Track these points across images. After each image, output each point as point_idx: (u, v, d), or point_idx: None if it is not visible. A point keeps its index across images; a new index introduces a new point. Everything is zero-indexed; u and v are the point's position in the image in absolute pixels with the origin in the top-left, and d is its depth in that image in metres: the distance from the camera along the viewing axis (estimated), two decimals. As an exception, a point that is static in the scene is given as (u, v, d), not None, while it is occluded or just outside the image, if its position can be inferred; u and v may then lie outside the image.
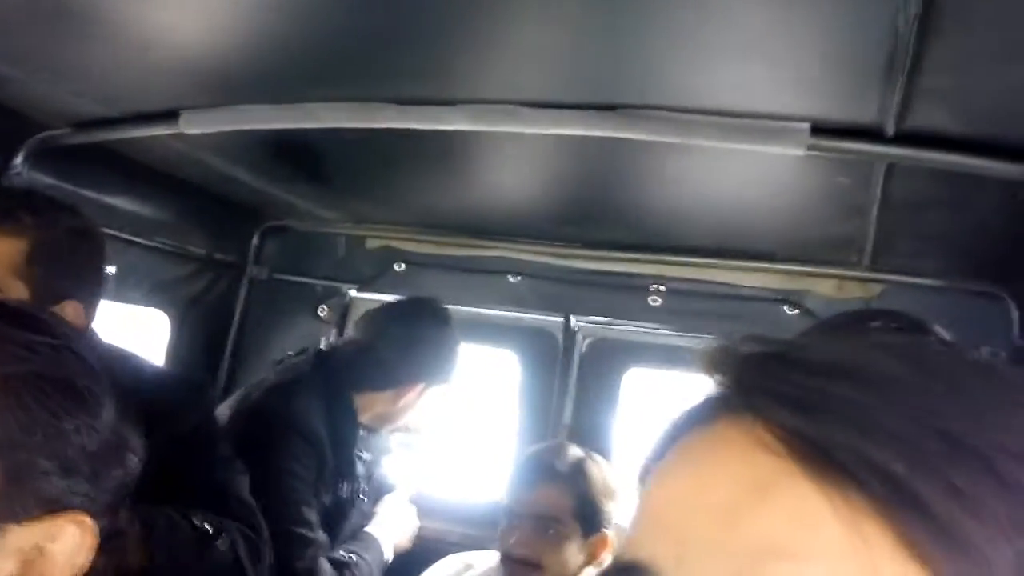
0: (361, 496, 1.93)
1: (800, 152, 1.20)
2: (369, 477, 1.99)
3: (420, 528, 2.09)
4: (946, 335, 1.02)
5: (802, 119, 1.18)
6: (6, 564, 0.65)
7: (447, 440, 2.36)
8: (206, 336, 2.23)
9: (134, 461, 0.77)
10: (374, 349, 1.85)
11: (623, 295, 2.16)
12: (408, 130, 1.37)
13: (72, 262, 1.35)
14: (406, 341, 1.86)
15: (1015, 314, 1.82)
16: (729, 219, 1.76)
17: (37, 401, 0.68)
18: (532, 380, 2.27)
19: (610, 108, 1.23)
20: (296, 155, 1.70)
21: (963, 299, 1.86)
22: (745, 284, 2.06)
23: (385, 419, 1.90)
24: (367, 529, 1.94)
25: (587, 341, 2.24)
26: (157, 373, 1.61)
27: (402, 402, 1.87)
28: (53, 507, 0.68)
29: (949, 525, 0.30)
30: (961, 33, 0.87)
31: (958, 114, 1.06)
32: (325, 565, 1.72)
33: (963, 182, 1.27)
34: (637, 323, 2.18)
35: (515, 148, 1.52)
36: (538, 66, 1.21)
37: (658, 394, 2.20)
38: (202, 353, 2.22)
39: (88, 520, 0.70)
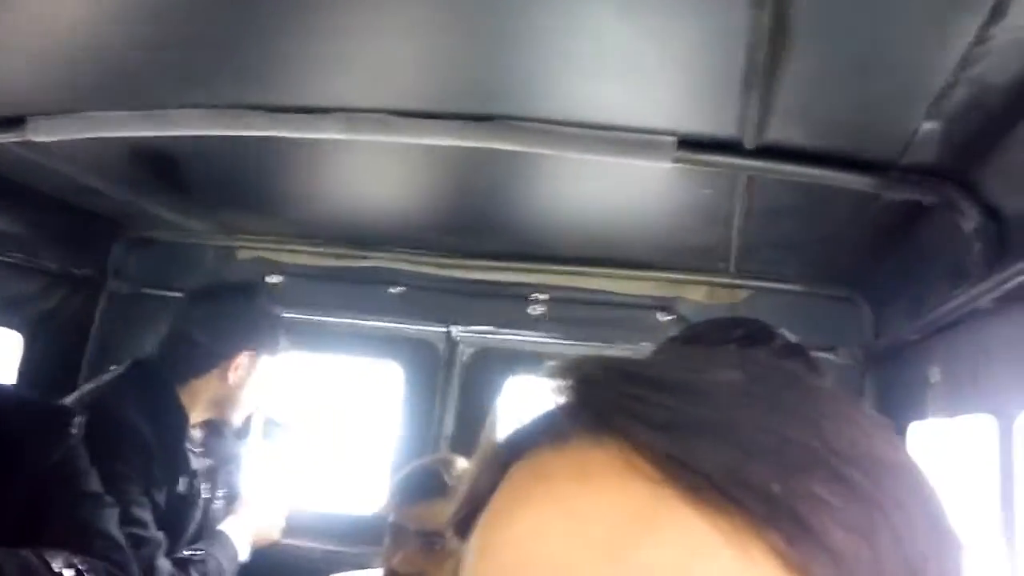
0: (204, 494, 1.86)
1: (667, 164, 1.24)
2: (212, 474, 1.91)
3: (300, 546, 2.03)
4: (793, 340, 1.08)
5: (669, 133, 1.22)
6: None
7: (325, 454, 2.30)
8: (61, 355, 2.09)
9: None
10: (186, 336, 1.82)
11: (504, 304, 2.17)
12: (279, 138, 1.33)
13: None
14: (214, 317, 1.83)
15: (868, 317, 1.95)
16: (605, 228, 1.80)
17: None
18: (414, 391, 2.24)
19: (485, 119, 1.24)
20: (158, 164, 1.62)
21: (821, 303, 1.97)
22: (622, 292, 2.11)
23: (226, 403, 1.86)
24: (220, 527, 1.88)
25: (469, 351, 2.24)
26: (18, 401, 1.53)
27: (232, 378, 1.83)
28: None
29: (823, 536, 0.30)
30: (812, 51, 0.92)
31: (812, 128, 1.13)
32: (164, 563, 1.66)
33: (819, 193, 1.35)
34: (518, 332, 2.19)
35: (392, 157, 1.50)
36: (412, 75, 1.20)
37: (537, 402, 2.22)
38: (57, 373, 2.07)
39: None
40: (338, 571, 1.87)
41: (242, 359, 1.84)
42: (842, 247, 1.70)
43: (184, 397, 1.79)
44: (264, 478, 2.13)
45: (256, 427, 2.23)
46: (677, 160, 1.24)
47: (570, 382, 0.36)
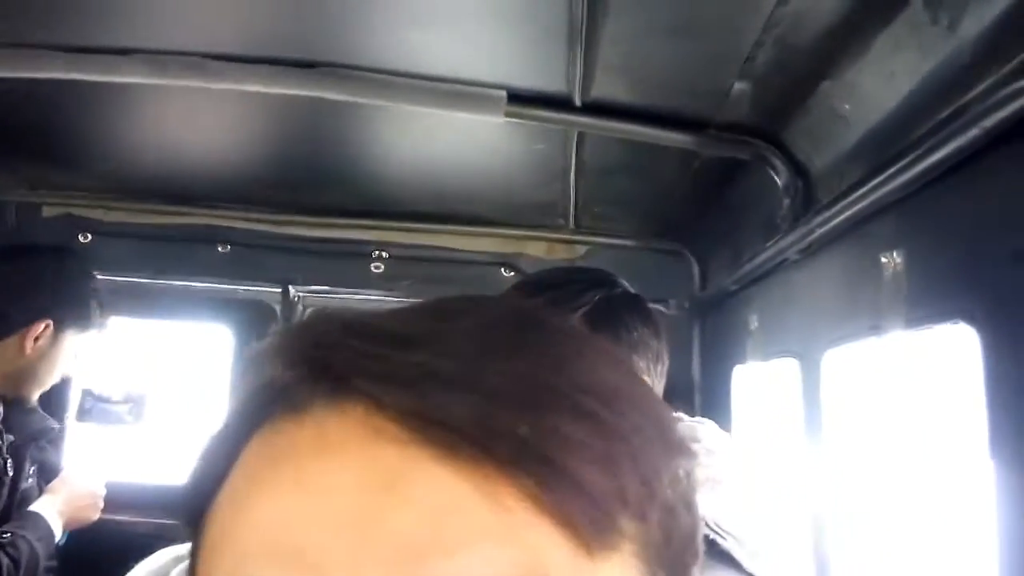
0: (9, 472, 1.73)
1: (499, 119, 1.23)
2: (18, 451, 1.78)
3: (119, 521, 1.92)
4: (631, 290, 1.11)
5: (500, 87, 1.21)
6: None
7: (147, 422, 2.17)
8: None
9: None
10: None
11: (345, 262, 2.11)
12: (85, 83, 1.21)
13: None
14: (10, 282, 1.70)
15: (695, 269, 2.05)
16: (444, 184, 1.78)
17: None
18: (246, 354, 2.15)
19: (308, 66, 1.18)
20: (-63, 108, 1.43)
21: (653, 257, 2.05)
22: (464, 248, 2.10)
23: (22, 377, 1.72)
24: (31, 508, 1.76)
25: (308, 311, 2.16)
26: None
27: (31, 348, 1.69)
28: None
29: (573, 474, 0.30)
30: (630, 9, 0.93)
31: (635, 86, 1.15)
32: None
33: (646, 150, 1.39)
34: (360, 291, 2.14)
35: (215, 105, 1.40)
36: (229, 18, 1.11)
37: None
38: None
39: None
40: (169, 544, 1.79)
41: (40, 329, 1.69)
42: (670, 203, 1.77)
43: None
44: (81, 454, 1.99)
45: (73, 401, 2.07)
46: (508, 115, 1.23)
47: (305, 344, 0.34)
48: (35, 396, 1.77)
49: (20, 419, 1.77)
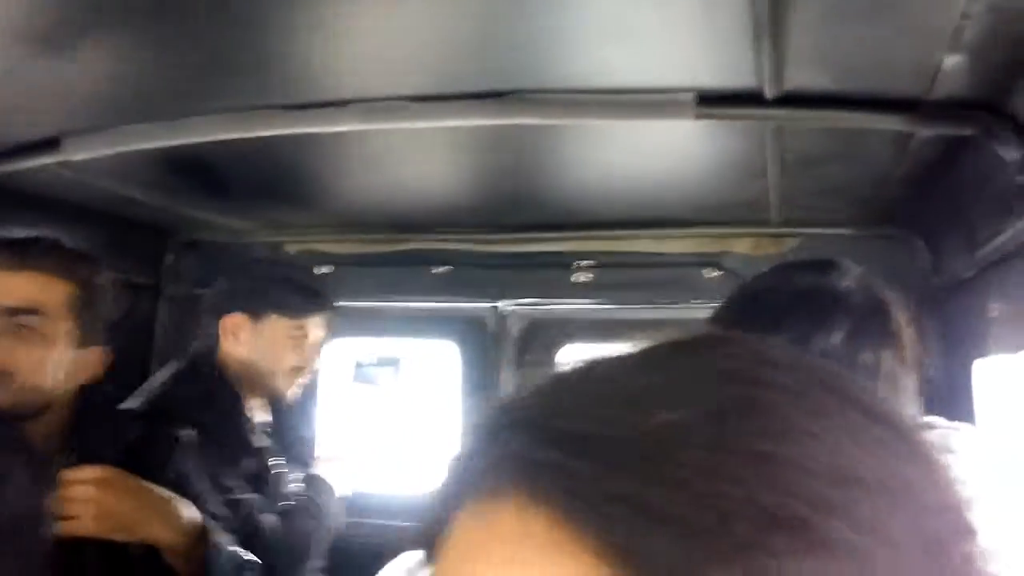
0: (276, 470, 1.90)
1: (688, 121, 1.22)
2: (283, 451, 1.95)
3: (364, 525, 2.10)
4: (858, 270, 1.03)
5: (687, 90, 1.19)
6: None
7: (389, 435, 2.36)
8: (129, 362, 2.17)
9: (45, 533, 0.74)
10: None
11: (549, 275, 2.17)
12: (308, 133, 1.35)
13: (106, 310, 1.45)
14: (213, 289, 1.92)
15: (924, 254, 1.88)
16: (639, 190, 1.78)
17: None
18: (469, 368, 2.28)
19: (499, 95, 1.23)
20: (195, 169, 1.66)
21: (872, 244, 1.91)
22: (665, 251, 2.08)
23: (248, 375, 1.85)
24: (312, 471, 1.93)
25: (518, 325, 2.25)
26: (130, 418, 1.59)
27: (228, 345, 1.84)
28: None
29: None
30: (818, -6, 0.88)
31: (832, 72, 1.09)
32: (266, 516, 1.72)
33: (852, 136, 1.31)
34: (566, 301, 2.19)
35: (421, 142, 1.51)
36: (423, 60, 1.19)
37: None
38: (128, 380, 2.16)
39: None
40: (410, 549, 1.93)
41: (232, 323, 1.84)
42: (887, 187, 1.64)
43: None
44: (348, 426, 2.16)
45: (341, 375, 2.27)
46: (699, 116, 1.21)
47: (503, 431, 0.33)
48: (284, 392, 1.91)
49: (284, 421, 1.97)
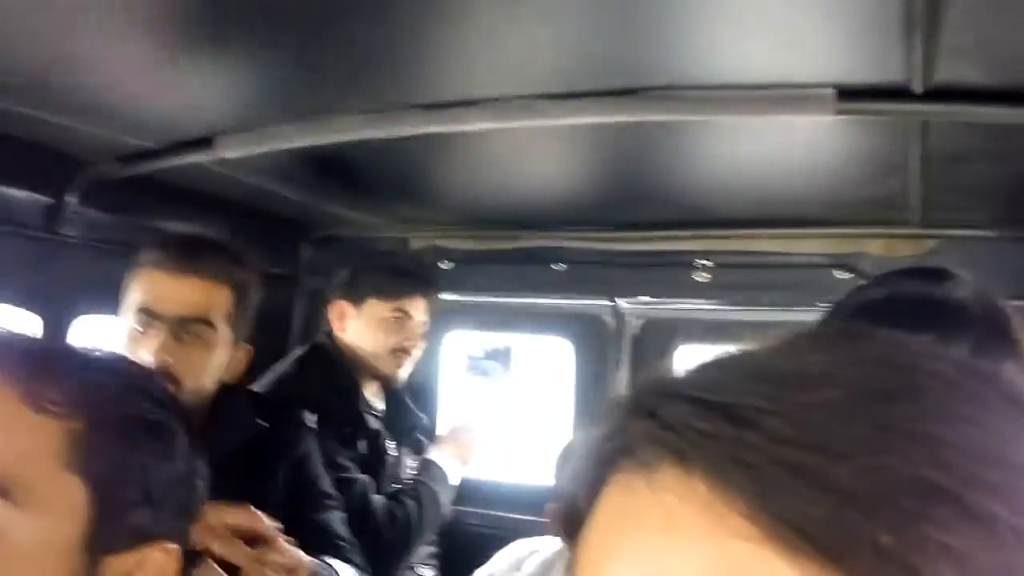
0: (391, 452, 1.97)
1: (828, 117, 1.18)
2: (399, 435, 2.03)
3: (483, 514, 2.13)
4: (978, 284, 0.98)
5: (827, 84, 1.15)
6: None
7: (500, 426, 2.40)
8: (267, 350, 2.30)
9: (202, 486, 0.81)
10: None
11: (669, 274, 2.15)
12: (436, 132, 1.39)
13: (254, 309, 1.51)
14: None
15: (1080, 259, 1.75)
16: (767, 188, 1.74)
17: (124, 439, 0.72)
18: (586, 365, 2.28)
19: (630, 92, 1.23)
20: (333, 167, 1.74)
21: (1020, 247, 1.79)
22: (793, 251, 2.02)
23: (358, 358, 1.96)
24: (427, 456, 2.00)
25: (637, 322, 2.24)
26: (259, 402, 1.64)
27: (338, 329, 1.97)
28: (142, 537, 0.72)
29: None
30: (976, -15, 0.84)
31: (985, 67, 1.03)
32: (376, 498, 1.79)
33: (1001, 132, 1.23)
34: (685, 300, 2.16)
35: (545, 138, 1.53)
36: (553, 57, 1.21)
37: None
38: (266, 366, 2.28)
39: (171, 546, 0.74)
40: (521, 538, 1.96)
41: (338, 310, 1.96)
42: (1042, 187, 1.53)
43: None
44: (462, 415, 2.23)
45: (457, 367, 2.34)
46: (839, 112, 1.17)
47: (655, 405, 0.34)
48: (390, 373, 1.99)
49: (398, 407, 2.04)
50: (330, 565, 1.41)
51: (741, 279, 2.07)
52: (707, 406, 0.32)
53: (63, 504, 0.67)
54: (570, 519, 0.38)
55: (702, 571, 0.29)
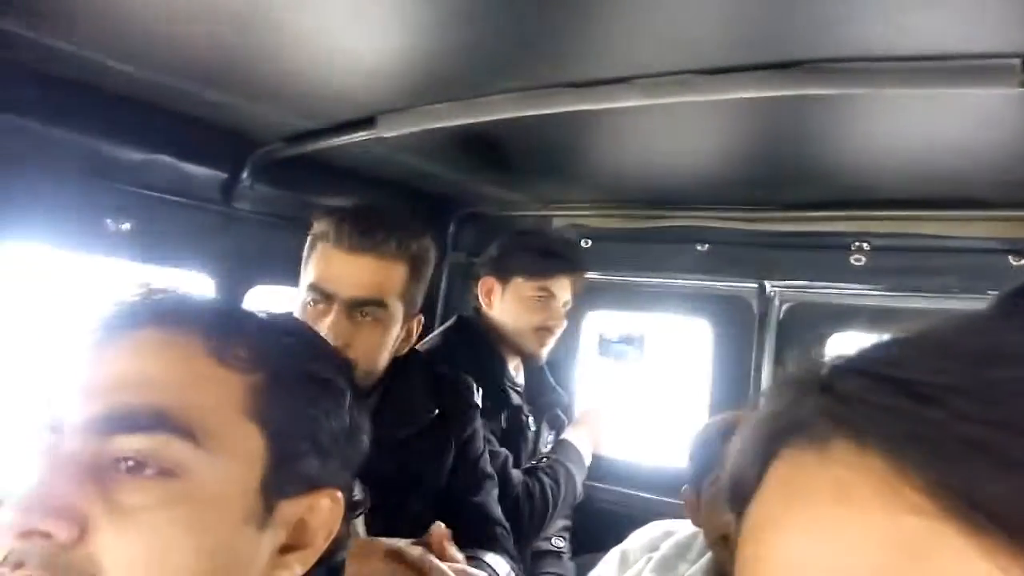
0: (532, 427, 2.01)
1: (1013, 90, 1.09)
2: (540, 412, 2.07)
3: (609, 492, 2.15)
4: None
5: (1012, 55, 1.07)
6: (279, 534, 0.75)
7: (636, 407, 2.39)
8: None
9: (365, 442, 0.86)
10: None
11: (822, 256, 2.06)
12: (585, 111, 1.40)
13: (427, 282, 1.55)
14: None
15: None
16: (934, 167, 1.63)
17: (299, 393, 0.77)
18: (726, 348, 2.23)
19: (791, 65, 1.19)
20: (482, 146, 1.78)
21: None
22: (960, 235, 1.89)
23: (504, 335, 2.00)
24: (562, 436, 2.04)
25: (785, 306, 2.16)
26: (436, 376, 1.67)
27: (485, 306, 2.02)
28: (312, 484, 0.77)
29: None
30: None
31: None
32: (515, 472, 1.83)
33: None
34: (839, 285, 2.07)
35: (693, 115, 1.50)
36: (710, 31, 1.18)
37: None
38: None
39: (338, 494, 0.79)
40: (654, 519, 1.95)
41: (486, 286, 2.02)
42: None
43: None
44: (599, 395, 2.26)
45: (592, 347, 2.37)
46: (1025, 84, 1.08)
47: (830, 380, 0.34)
48: (534, 351, 2.03)
49: (538, 383, 2.09)
50: (489, 565, 1.40)
51: (902, 263, 1.96)
52: (887, 382, 0.32)
53: (243, 450, 0.72)
54: (737, 493, 0.38)
55: (877, 546, 0.29)
